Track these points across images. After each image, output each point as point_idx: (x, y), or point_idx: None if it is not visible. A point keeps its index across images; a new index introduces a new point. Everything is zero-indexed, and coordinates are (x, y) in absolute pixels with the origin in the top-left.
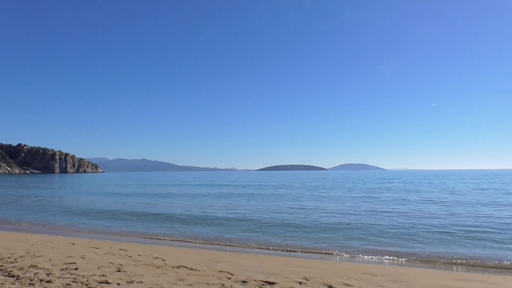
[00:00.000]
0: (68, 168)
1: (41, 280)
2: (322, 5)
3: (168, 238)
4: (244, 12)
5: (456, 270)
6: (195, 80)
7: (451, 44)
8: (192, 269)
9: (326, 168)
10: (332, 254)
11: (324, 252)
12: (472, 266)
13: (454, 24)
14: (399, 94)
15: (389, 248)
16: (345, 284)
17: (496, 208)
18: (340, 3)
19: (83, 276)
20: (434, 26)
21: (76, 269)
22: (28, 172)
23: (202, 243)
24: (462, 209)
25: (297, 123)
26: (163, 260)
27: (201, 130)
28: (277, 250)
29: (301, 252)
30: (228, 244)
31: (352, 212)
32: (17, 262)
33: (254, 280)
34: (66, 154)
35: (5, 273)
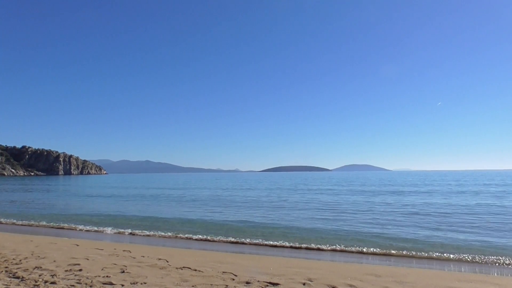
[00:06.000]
0: (72, 170)
1: (46, 282)
2: (328, 7)
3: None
4: (248, 13)
5: (462, 270)
6: (199, 81)
7: (454, 45)
8: (196, 270)
9: (330, 169)
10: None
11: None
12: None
13: (456, 25)
14: (403, 95)
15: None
16: (349, 285)
17: None
18: (344, 5)
19: (87, 277)
20: (436, 27)
21: (80, 270)
22: (32, 174)
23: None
24: None
25: (301, 124)
26: (167, 261)
27: (205, 132)
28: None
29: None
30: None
31: None
32: (21, 263)
33: (258, 281)
34: (70, 156)
35: (10, 275)
